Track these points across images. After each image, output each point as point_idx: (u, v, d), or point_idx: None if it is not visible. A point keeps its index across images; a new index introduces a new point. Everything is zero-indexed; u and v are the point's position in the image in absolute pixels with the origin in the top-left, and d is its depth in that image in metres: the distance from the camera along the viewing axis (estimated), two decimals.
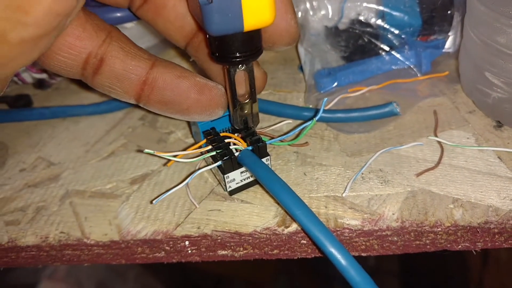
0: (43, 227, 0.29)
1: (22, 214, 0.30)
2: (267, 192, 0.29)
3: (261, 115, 0.35)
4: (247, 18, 0.22)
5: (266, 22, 0.23)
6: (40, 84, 0.43)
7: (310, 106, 0.36)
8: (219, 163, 0.27)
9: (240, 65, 0.25)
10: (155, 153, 0.27)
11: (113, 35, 0.24)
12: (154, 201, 0.29)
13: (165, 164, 0.32)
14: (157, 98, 0.26)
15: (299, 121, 0.34)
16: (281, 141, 0.31)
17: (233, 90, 0.27)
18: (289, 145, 0.32)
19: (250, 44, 0.24)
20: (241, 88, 0.27)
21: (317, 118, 0.30)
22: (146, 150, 0.27)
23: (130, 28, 0.41)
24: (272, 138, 0.31)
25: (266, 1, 0.22)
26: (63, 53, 0.23)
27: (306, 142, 0.32)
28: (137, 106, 0.40)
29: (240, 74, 0.26)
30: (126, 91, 0.25)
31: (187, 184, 0.29)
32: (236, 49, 0.24)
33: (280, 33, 0.26)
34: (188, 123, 0.36)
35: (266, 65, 0.43)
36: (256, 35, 0.24)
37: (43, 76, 0.43)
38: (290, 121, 0.33)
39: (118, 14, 0.36)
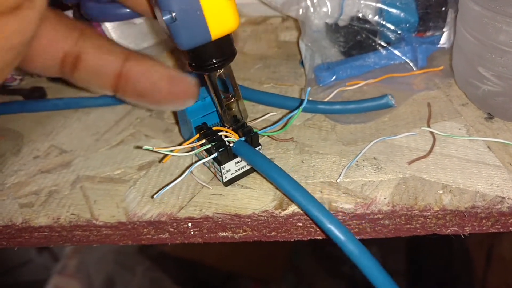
0: (55, 209, 0.31)
1: (35, 197, 0.32)
2: (265, 178, 0.30)
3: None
4: (213, 28, 0.24)
5: (232, 28, 0.24)
6: (54, 77, 0.45)
7: (310, 98, 0.37)
8: (215, 155, 0.29)
9: (218, 70, 0.27)
10: (154, 149, 0.29)
11: (86, 32, 0.25)
12: (155, 196, 0.30)
13: (160, 161, 0.34)
14: (131, 90, 0.27)
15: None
16: (272, 130, 0.33)
17: (218, 93, 0.28)
18: (275, 140, 0.33)
19: (223, 50, 0.26)
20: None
21: (302, 106, 0.32)
22: (145, 147, 0.28)
23: (139, 24, 0.43)
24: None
25: (227, 8, 0.23)
26: (40, 56, 0.24)
27: (292, 138, 0.33)
28: None
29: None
30: (103, 84, 0.27)
31: (186, 176, 0.30)
32: (210, 57, 0.26)
33: None
34: (177, 121, 0.37)
35: (270, 60, 0.45)
36: (226, 40, 0.26)
37: None
38: (275, 113, 0.35)
39: (127, 10, 0.38)
